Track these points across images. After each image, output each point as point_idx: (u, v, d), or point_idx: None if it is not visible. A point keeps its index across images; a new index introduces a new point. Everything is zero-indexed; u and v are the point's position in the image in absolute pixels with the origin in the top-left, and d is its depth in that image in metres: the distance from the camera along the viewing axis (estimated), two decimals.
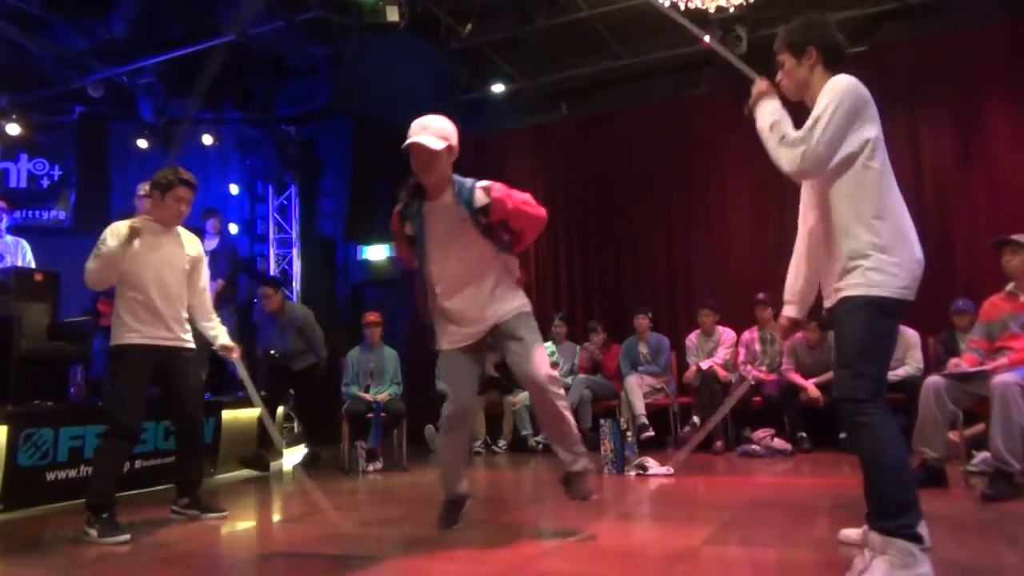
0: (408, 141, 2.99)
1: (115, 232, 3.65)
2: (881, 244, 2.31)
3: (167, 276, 3.78)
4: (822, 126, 2.30)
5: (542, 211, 3.17)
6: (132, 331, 3.66)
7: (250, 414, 6.28)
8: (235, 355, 4.05)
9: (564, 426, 3.15)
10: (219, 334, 4.02)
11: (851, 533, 2.88)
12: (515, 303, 3.17)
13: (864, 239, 2.32)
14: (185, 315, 3.89)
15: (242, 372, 4.09)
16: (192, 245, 3.96)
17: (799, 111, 2.50)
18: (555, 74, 7.59)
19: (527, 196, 3.14)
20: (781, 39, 2.58)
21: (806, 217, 2.70)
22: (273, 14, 6.40)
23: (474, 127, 8.18)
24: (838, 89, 2.35)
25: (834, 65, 2.51)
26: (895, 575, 2.16)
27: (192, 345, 3.92)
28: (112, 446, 3.64)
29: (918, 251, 2.37)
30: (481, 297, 3.12)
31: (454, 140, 3.07)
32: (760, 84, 2.56)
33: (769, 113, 2.46)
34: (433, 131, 3.01)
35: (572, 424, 3.18)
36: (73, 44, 6.87)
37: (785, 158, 2.36)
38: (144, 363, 3.66)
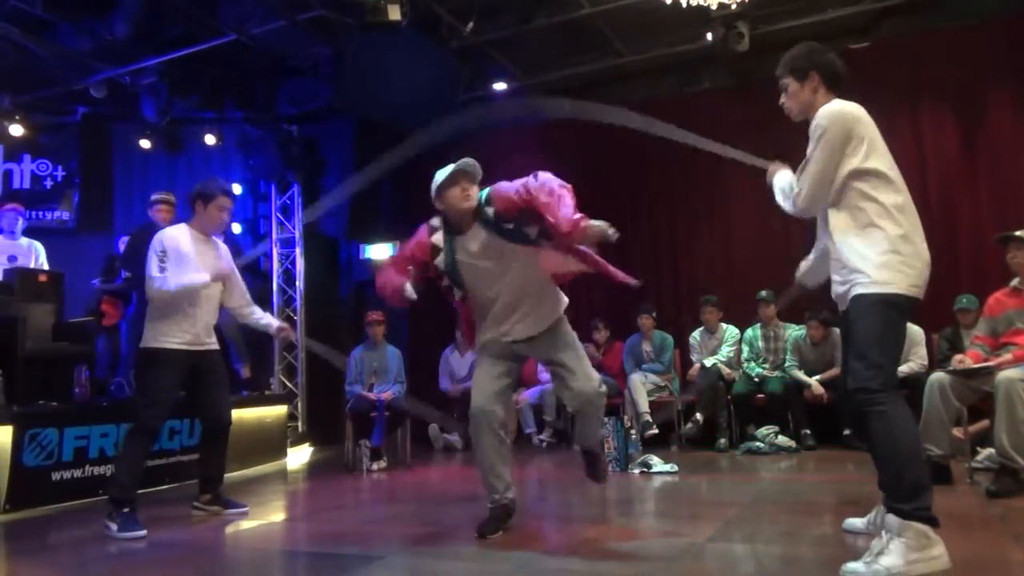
0: (447, 172, 3.10)
1: (171, 246, 3.78)
2: (891, 247, 2.42)
3: (209, 286, 3.89)
4: (807, 177, 2.55)
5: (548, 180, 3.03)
6: (169, 335, 3.78)
7: (255, 413, 6.30)
8: (289, 334, 4.45)
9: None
10: (270, 320, 4.27)
11: (856, 522, 2.95)
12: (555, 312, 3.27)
13: (874, 246, 2.44)
14: (214, 320, 4.02)
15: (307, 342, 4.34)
16: (225, 252, 4.10)
17: (803, 131, 2.64)
18: (557, 72, 7.58)
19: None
20: (784, 64, 2.75)
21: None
22: (275, 13, 6.40)
23: (475, 126, 8.18)
24: (820, 130, 2.52)
25: (834, 88, 2.69)
26: (910, 557, 2.25)
27: (217, 346, 4.05)
28: (136, 443, 3.77)
29: (925, 253, 2.49)
30: (535, 314, 3.21)
31: (479, 178, 3.17)
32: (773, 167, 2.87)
33: (780, 178, 2.79)
34: (464, 167, 3.13)
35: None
36: (75, 45, 6.86)
37: (785, 206, 2.73)
38: (178, 366, 3.78)
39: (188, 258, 3.81)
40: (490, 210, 3.07)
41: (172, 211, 5.81)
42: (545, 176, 2.98)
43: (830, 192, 2.53)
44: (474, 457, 3.26)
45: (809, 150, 2.55)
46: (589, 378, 3.19)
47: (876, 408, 2.38)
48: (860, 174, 2.47)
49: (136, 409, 3.84)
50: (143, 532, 3.48)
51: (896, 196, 2.48)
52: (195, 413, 3.77)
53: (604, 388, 3.30)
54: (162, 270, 3.71)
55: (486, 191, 3.12)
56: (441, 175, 3.12)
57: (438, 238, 3.19)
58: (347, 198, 8.67)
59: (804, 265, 3.04)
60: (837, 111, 2.52)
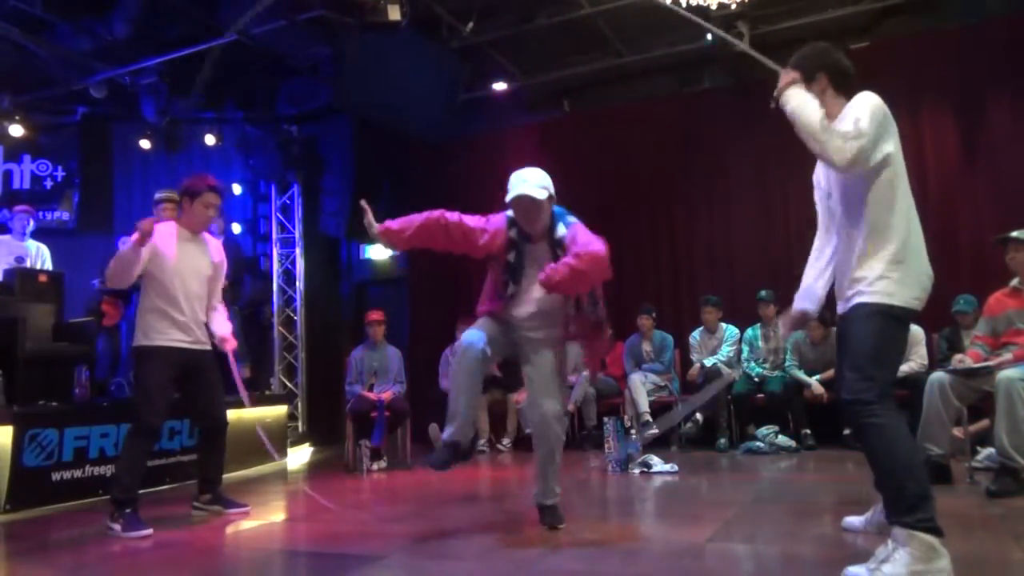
0: (513, 193, 3.12)
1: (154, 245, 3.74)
2: (898, 257, 2.41)
3: (193, 282, 3.89)
4: (867, 126, 2.35)
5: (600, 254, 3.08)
6: (159, 333, 3.77)
7: (255, 413, 6.29)
8: (229, 346, 4.09)
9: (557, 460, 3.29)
10: (216, 329, 4.06)
11: (854, 521, 2.97)
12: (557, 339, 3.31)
13: (882, 250, 2.41)
14: (204, 318, 4.00)
15: (233, 366, 4.17)
16: (216, 251, 4.08)
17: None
18: (557, 72, 7.58)
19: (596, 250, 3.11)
20: (791, 65, 2.66)
21: (824, 221, 2.78)
22: (274, 13, 6.40)
23: (476, 125, 8.19)
24: (870, 102, 2.43)
25: (842, 88, 2.60)
26: (914, 568, 2.22)
27: (209, 346, 4.04)
28: (137, 443, 3.76)
29: (928, 265, 2.48)
30: (546, 328, 3.29)
31: (552, 189, 3.21)
32: (789, 73, 2.58)
33: (806, 100, 2.46)
34: (534, 182, 3.14)
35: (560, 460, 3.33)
36: (75, 45, 6.87)
37: (835, 147, 2.34)
38: (170, 364, 3.77)
39: (165, 258, 3.78)
40: (562, 232, 3.16)
41: (176, 210, 5.82)
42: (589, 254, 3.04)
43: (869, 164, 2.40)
44: (450, 383, 3.23)
45: (857, 113, 2.39)
46: (557, 401, 3.21)
47: (872, 420, 2.34)
48: (879, 170, 2.41)
49: (135, 409, 3.83)
50: (149, 531, 3.50)
51: (904, 202, 2.45)
52: (189, 414, 3.76)
53: (564, 421, 3.28)
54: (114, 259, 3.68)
55: (566, 218, 3.22)
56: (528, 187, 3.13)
57: (513, 234, 3.24)
58: (348, 198, 8.69)
59: (813, 288, 2.80)
60: (879, 100, 2.44)
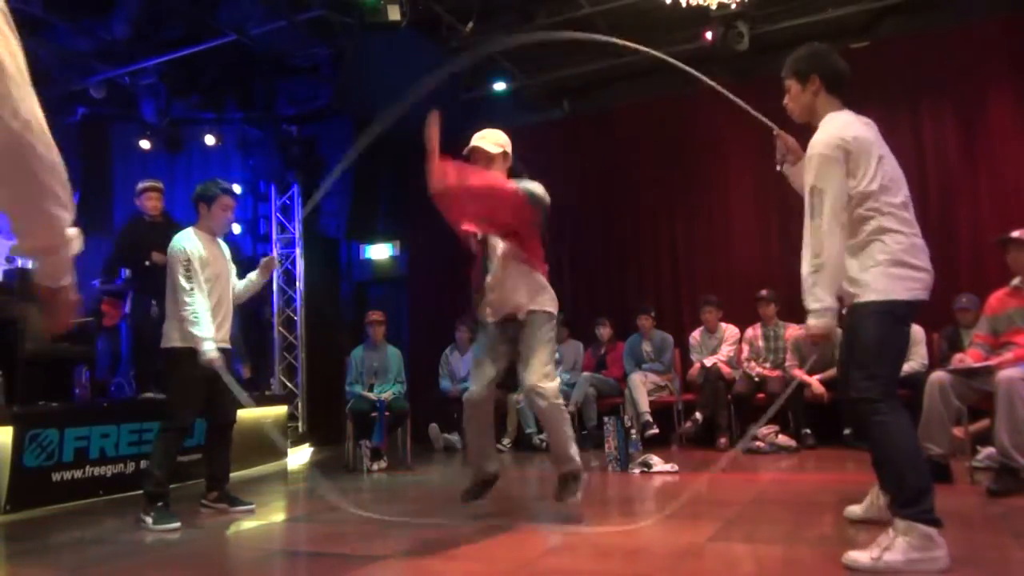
0: (468, 146, 3.44)
1: (193, 254, 3.89)
2: (894, 254, 2.48)
3: (221, 285, 4.04)
4: (826, 205, 2.46)
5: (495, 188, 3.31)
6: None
7: (255, 413, 6.29)
8: (272, 262, 4.38)
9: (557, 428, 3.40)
10: (250, 277, 4.31)
11: (855, 509, 3.11)
12: (536, 302, 3.43)
13: (879, 249, 2.49)
14: (229, 316, 4.12)
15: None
16: (227, 251, 4.20)
17: (805, 132, 2.69)
18: (556, 72, 7.58)
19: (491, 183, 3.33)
20: (787, 66, 2.78)
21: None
22: (274, 14, 6.40)
23: (476, 125, 8.18)
24: (819, 157, 2.51)
25: (836, 90, 2.70)
26: (911, 556, 2.33)
27: (229, 346, 4.16)
28: (169, 440, 3.90)
29: (926, 259, 2.54)
30: (507, 291, 3.45)
31: (509, 148, 3.52)
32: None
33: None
34: (490, 140, 3.48)
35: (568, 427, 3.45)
36: (75, 45, 6.87)
37: (833, 248, 2.47)
38: (202, 366, 3.84)
39: (207, 262, 3.93)
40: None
41: (161, 198, 5.86)
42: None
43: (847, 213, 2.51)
44: (463, 433, 3.49)
45: (810, 179, 2.54)
46: (534, 373, 3.29)
47: (876, 418, 2.45)
48: (861, 197, 2.50)
49: (168, 408, 3.94)
50: (177, 524, 3.65)
51: (896, 209, 2.51)
52: (206, 411, 3.95)
53: (554, 394, 3.30)
54: (189, 280, 3.83)
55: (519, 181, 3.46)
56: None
57: None
58: (347, 199, 8.69)
59: None
60: (832, 144, 2.51)
